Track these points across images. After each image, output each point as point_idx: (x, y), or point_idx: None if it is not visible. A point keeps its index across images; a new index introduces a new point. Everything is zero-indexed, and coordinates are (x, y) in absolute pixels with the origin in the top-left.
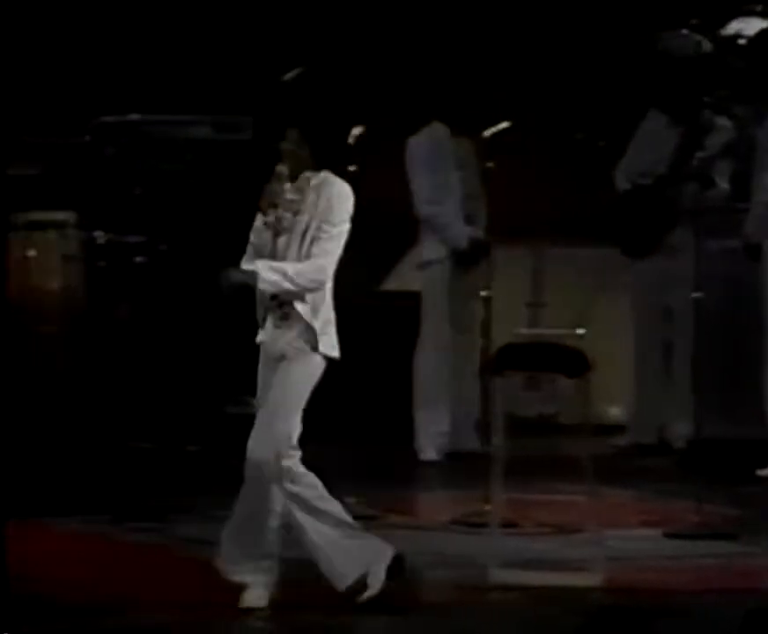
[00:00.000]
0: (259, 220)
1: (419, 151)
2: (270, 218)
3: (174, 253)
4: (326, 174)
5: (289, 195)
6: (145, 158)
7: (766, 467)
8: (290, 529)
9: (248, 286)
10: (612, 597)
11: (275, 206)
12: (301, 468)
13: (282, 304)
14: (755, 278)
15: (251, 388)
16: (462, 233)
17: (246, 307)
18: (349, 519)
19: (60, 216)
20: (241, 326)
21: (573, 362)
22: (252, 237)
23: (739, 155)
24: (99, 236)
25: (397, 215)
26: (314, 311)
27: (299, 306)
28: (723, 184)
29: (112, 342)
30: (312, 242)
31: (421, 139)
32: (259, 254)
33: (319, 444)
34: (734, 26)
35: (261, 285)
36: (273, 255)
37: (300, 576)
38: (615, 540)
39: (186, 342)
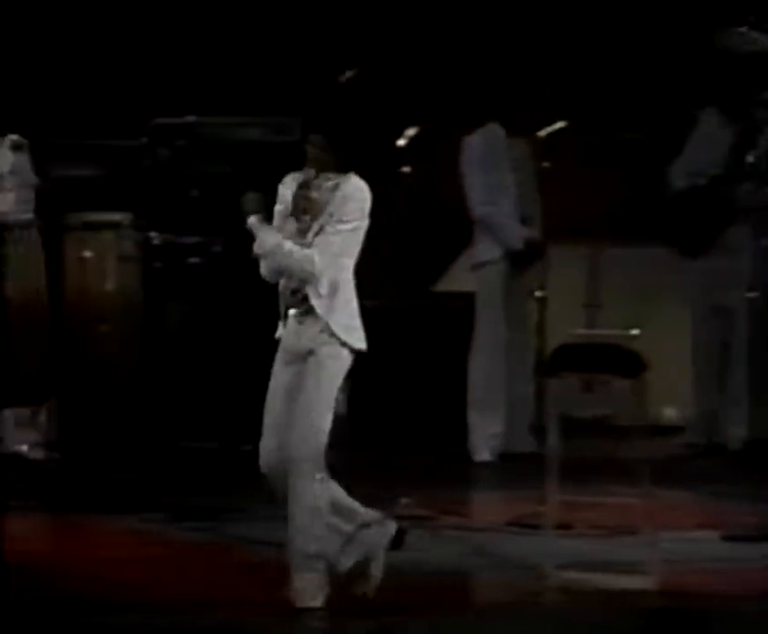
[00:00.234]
0: (277, 221)
1: (474, 151)
2: (299, 223)
3: (228, 253)
4: (347, 175)
5: (312, 195)
6: (200, 159)
7: None
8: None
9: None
10: (667, 600)
11: (305, 211)
12: None
13: (305, 299)
14: None
15: None
16: (518, 234)
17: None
18: (350, 502)
19: (116, 217)
20: None
21: (628, 363)
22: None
23: None
24: (155, 237)
25: (452, 216)
26: (337, 305)
27: (314, 302)
28: None
29: (167, 342)
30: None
31: (476, 139)
32: None
33: (374, 446)
34: None
35: (255, 247)
36: None
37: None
38: (670, 542)
39: (240, 342)
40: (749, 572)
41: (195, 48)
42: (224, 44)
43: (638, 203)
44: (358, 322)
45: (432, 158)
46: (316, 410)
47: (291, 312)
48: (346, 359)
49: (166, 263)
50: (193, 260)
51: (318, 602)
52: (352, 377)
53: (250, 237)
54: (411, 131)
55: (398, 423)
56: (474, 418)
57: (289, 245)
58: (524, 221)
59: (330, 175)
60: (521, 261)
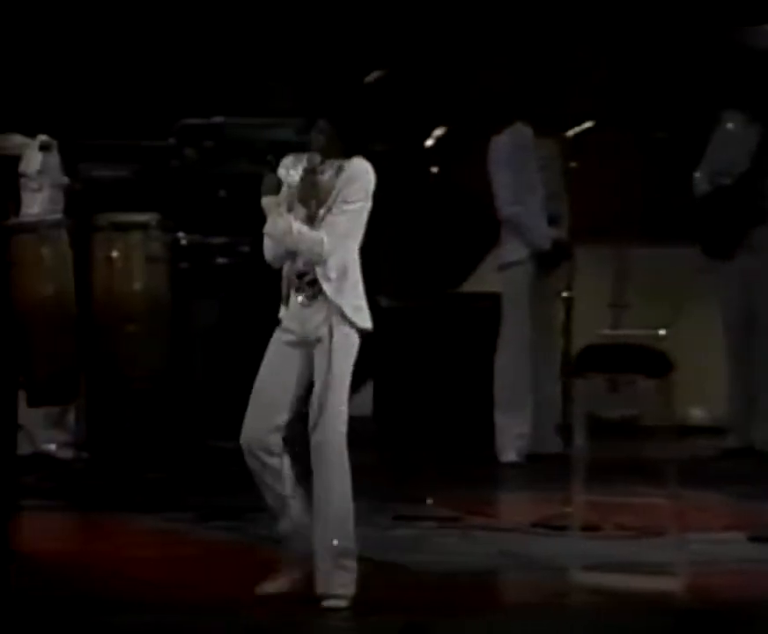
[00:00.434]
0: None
1: (502, 151)
2: (308, 210)
3: (256, 253)
4: (353, 158)
5: (317, 180)
6: (227, 159)
7: None
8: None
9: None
10: (694, 601)
11: (312, 197)
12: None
13: (312, 282)
14: None
15: None
16: (545, 234)
17: None
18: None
19: (143, 217)
20: None
21: (655, 363)
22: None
23: None
24: (182, 237)
25: (479, 216)
26: (347, 287)
27: (324, 285)
28: None
29: (195, 342)
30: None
31: (504, 139)
32: None
33: (400, 446)
34: None
35: (266, 228)
36: None
37: (383, 575)
38: (698, 543)
39: (267, 342)
40: None
41: (222, 49)
42: (252, 45)
43: (666, 203)
44: (364, 303)
45: (459, 159)
46: (336, 396)
47: (298, 297)
48: (355, 340)
49: (194, 264)
50: (220, 260)
51: (343, 602)
52: (379, 377)
53: None
54: (439, 131)
55: (424, 423)
56: (500, 419)
57: (298, 226)
58: (551, 221)
59: (334, 160)
60: (548, 261)
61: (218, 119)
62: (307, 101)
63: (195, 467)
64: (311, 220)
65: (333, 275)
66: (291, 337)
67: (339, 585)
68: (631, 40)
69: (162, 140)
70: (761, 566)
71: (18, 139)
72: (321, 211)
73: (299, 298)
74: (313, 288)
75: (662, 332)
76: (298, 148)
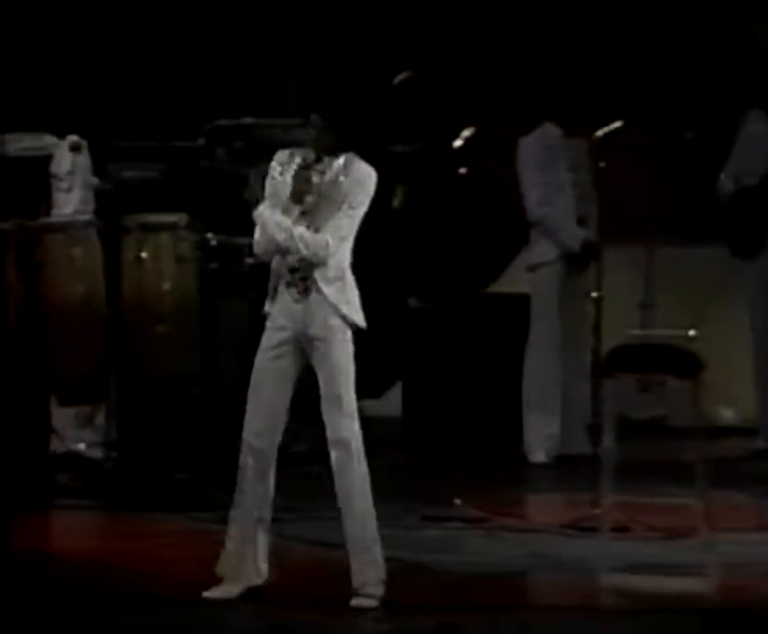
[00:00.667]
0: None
1: (531, 152)
2: (302, 205)
3: None
4: (349, 156)
5: (315, 178)
6: (257, 160)
7: None
8: None
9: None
10: (724, 602)
11: (308, 194)
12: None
13: (304, 278)
14: None
15: (360, 389)
16: (575, 235)
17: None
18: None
19: (173, 218)
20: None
21: (685, 363)
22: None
23: None
24: (211, 238)
25: (508, 216)
26: (346, 288)
27: (323, 286)
28: None
29: (224, 342)
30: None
31: (533, 140)
32: None
33: (429, 447)
34: None
35: (269, 230)
36: None
37: (412, 576)
38: (727, 544)
39: None
40: None
41: (252, 50)
42: (282, 46)
43: (695, 202)
44: (358, 300)
45: (488, 160)
46: (346, 396)
47: (289, 292)
48: (350, 336)
49: (223, 264)
50: (249, 260)
51: (373, 603)
52: (408, 378)
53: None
54: (467, 132)
55: (453, 424)
56: (529, 419)
57: (300, 231)
58: (581, 221)
59: (332, 157)
60: (577, 261)
61: (248, 120)
62: (319, 101)
63: (223, 466)
64: (303, 214)
65: (331, 275)
66: (285, 334)
67: (369, 585)
68: (660, 40)
69: (192, 141)
70: None
71: (48, 140)
72: (321, 208)
73: (291, 294)
74: (304, 283)
75: (692, 332)
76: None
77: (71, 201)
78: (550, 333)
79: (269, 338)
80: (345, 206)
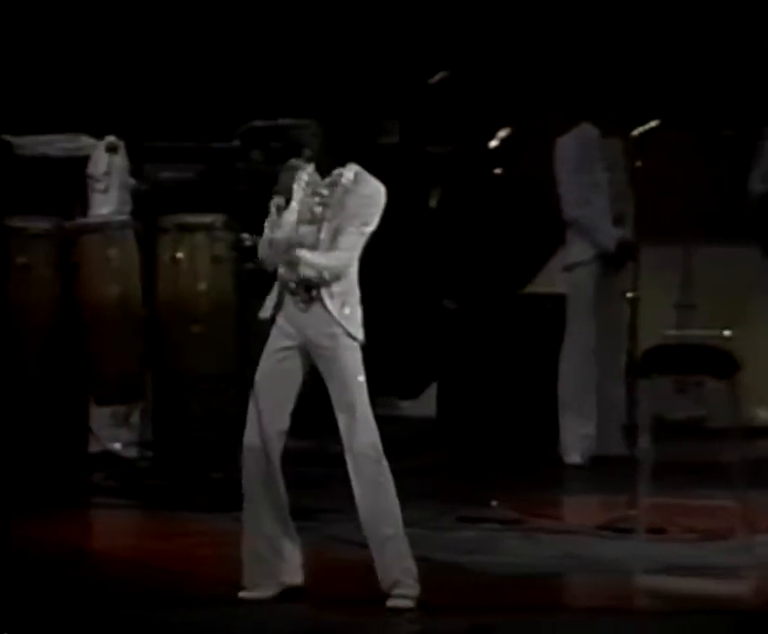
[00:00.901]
0: (273, 209)
1: (567, 152)
2: (299, 207)
3: None
4: (358, 170)
5: (323, 190)
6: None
7: None
8: None
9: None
10: (761, 604)
11: (316, 204)
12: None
13: (308, 288)
14: None
15: (396, 391)
16: (611, 235)
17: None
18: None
19: (208, 218)
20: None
21: (722, 363)
22: (267, 227)
23: None
24: (247, 238)
25: (545, 217)
26: (352, 302)
27: (327, 302)
28: None
29: (260, 342)
30: (335, 235)
31: (569, 140)
32: None
33: (464, 448)
34: None
35: (303, 270)
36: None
37: (447, 577)
38: (765, 546)
39: None
40: None
41: (289, 51)
42: (318, 47)
43: (732, 202)
44: (359, 314)
45: (524, 160)
46: (359, 402)
47: (294, 300)
48: (357, 344)
49: (259, 264)
50: None
51: (410, 604)
52: (443, 379)
53: None
54: (503, 133)
55: (488, 425)
56: (565, 420)
57: (311, 257)
58: (617, 221)
59: (341, 169)
60: (613, 261)
61: (285, 121)
62: (315, 106)
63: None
64: (311, 223)
65: (337, 290)
66: (290, 341)
67: (404, 586)
68: (697, 38)
69: (228, 142)
70: None
71: (85, 140)
72: (331, 221)
73: (296, 302)
74: (309, 293)
75: (728, 332)
76: None
77: (108, 201)
78: (586, 333)
79: (274, 343)
80: (357, 223)
